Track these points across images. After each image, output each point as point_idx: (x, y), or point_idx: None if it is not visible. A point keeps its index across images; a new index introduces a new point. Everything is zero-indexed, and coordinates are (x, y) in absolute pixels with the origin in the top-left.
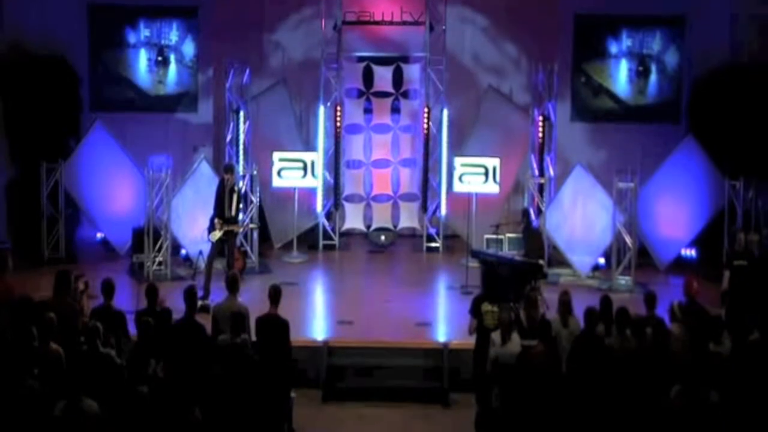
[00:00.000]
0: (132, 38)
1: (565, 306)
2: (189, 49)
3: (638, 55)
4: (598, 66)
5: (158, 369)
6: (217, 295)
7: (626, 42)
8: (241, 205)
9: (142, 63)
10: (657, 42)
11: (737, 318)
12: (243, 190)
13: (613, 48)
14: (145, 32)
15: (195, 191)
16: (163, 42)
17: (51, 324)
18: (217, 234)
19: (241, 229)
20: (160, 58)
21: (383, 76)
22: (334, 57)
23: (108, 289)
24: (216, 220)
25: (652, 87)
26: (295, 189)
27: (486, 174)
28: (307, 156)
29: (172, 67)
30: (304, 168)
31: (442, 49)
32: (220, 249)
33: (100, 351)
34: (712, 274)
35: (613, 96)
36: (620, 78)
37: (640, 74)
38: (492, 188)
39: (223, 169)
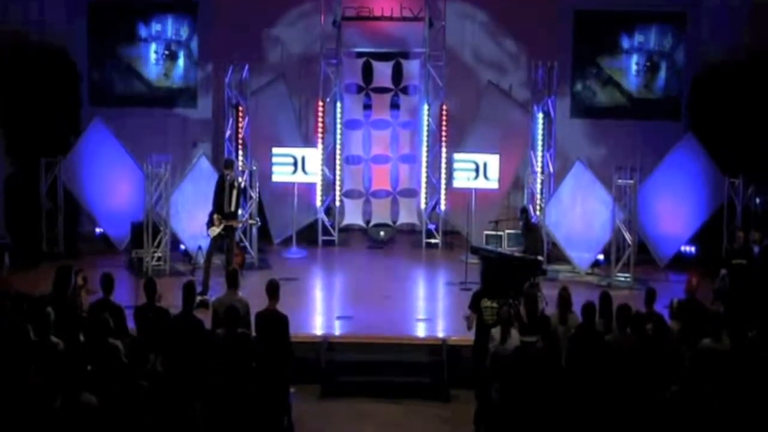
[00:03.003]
0: (133, 33)
1: (564, 302)
2: (189, 44)
3: (638, 52)
4: (602, 60)
5: (158, 363)
6: (219, 290)
7: (627, 38)
8: (240, 201)
9: (140, 59)
10: (656, 39)
11: (736, 316)
12: (242, 186)
13: (615, 44)
14: (149, 27)
15: (194, 186)
16: (163, 37)
17: (48, 318)
18: (216, 230)
19: (240, 224)
20: (159, 54)
21: (383, 72)
22: (333, 52)
23: (107, 283)
24: (215, 216)
25: (652, 84)
26: (294, 185)
27: (477, 170)
28: (298, 152)
29: (171, 63)
30: (295, 164)
31: (441, 45)
32: (219, 245)
33: (109, 342)
34: (711, 271)
35: (616, 91)
36: (621, 74)
37: (639, 71)
38: (483, 184)
39: (223, 165)
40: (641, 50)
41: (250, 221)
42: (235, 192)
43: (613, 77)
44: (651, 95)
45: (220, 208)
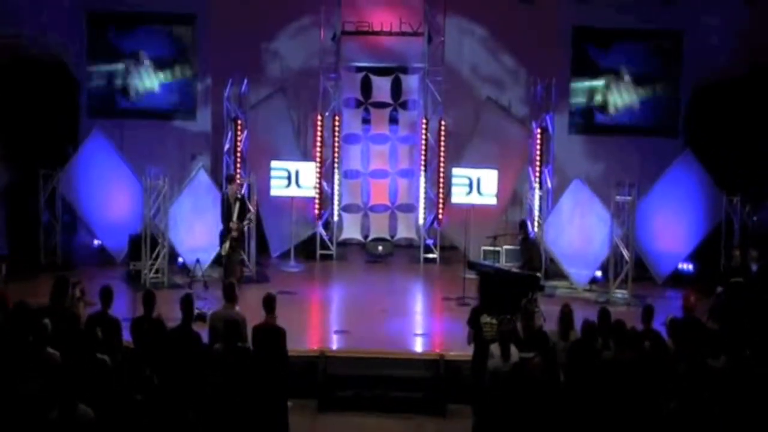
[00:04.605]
0: (130, 46)
1: (566, 319)
2: (188, 57)
3: (636, 69)
4: (600, 76)
5: (153, 376)
6: (216, 304)
7: (623, 55)
8: (245, 211)
9: (140, 70)
10: (654, 56)
11: (732, 333)
12: (242, 197)
13: (611, 61)
14: (144, 40)
15: (193, 199)
16: (162, 50)
17: (45, 330)
18: (226, 246)
19: (238, 228)
20: (158, 66)
21: (381, 87)
22: (332, 67)
23: (106, 296)
24: (231, 223)
25: (650, 100)
26: (292, 198)
27: (470, 185)
28: (292, 165)
29: (171, 76)
30: (288, 177)
31: (440, 60)
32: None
33: (97, 357)
34: (708, 288)
35: (614, 108)
36: (617, 91)
37: (637, 88)
38: (478, 199)
39: (226, 180)
40: (639, 67)
41: (245, 222)
42: (238, 204)
43: (611, 93)
44: (649, 112)
45: (227, 224)
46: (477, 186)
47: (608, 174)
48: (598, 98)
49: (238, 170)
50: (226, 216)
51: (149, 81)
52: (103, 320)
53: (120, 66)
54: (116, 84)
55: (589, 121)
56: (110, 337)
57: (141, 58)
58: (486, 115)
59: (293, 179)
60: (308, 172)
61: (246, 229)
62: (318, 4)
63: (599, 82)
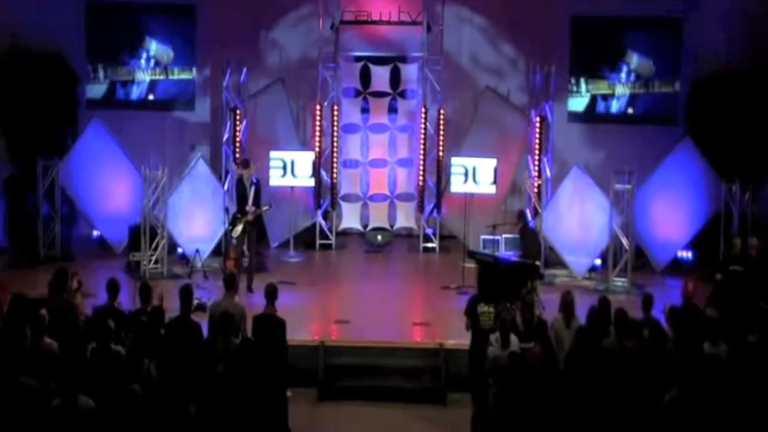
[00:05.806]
0: (129, 36)
1: (568, 306)
2: (186, 47)
3: (636, 57)
4: (599, 65)
5: (152, 367)
6: (215, 294)
7: (623, 44)
8: (259, 197)
9: (138, 62)
10: (654, 44)
11: (733, 321)
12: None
13: (611, 50)
14: (142, 30)
15: (192, 190)
16: (161, 41)
17: (42, 321)
18: (239, 229)
19: (253, 215)
20: (157, 57)
21: (380, 76)
22: (331, 56)
23: (113, 288)
24: (247, 207)
25: (650, 88)
26: (291, 188)
27: (465, 174)
28: (288, 155)
29: (170, 66)
30: (284, 167)
31: (439, 49)
32: (241, 243)
33: (112, 349)
34: (708, 276)
35: (613, 96)
36: (617, 80)
37: (637, 76)
38: (475, 188)
39: (241, 164)
40: (639, 55)
41: (264, 208)
42: (253, 189)
43: (610, 82)
44: (649, 100)
45: (242, 207)
46: (473, 175)
47: (607, 162)
48: (597, 86)
49: (237, 160)
50: (240, 199)
51: (148, 71)
52: (110, 313)
53: (118, 57)
54: (115, 75)
55: (588, 110)
56: (119, 330)
57: (139, 48)
58: (485, 103)
59: (289, 169)
60: (304, 161)
61: (263, 215)
62: None
63: (598, 71)
